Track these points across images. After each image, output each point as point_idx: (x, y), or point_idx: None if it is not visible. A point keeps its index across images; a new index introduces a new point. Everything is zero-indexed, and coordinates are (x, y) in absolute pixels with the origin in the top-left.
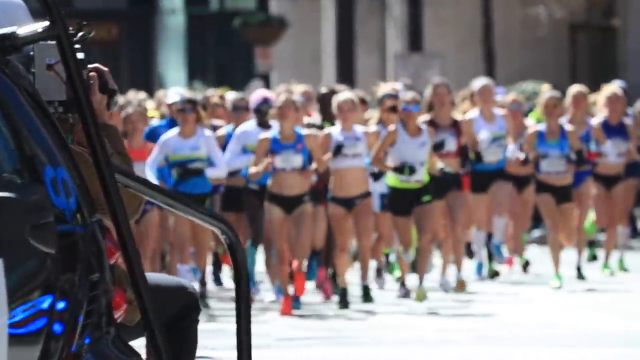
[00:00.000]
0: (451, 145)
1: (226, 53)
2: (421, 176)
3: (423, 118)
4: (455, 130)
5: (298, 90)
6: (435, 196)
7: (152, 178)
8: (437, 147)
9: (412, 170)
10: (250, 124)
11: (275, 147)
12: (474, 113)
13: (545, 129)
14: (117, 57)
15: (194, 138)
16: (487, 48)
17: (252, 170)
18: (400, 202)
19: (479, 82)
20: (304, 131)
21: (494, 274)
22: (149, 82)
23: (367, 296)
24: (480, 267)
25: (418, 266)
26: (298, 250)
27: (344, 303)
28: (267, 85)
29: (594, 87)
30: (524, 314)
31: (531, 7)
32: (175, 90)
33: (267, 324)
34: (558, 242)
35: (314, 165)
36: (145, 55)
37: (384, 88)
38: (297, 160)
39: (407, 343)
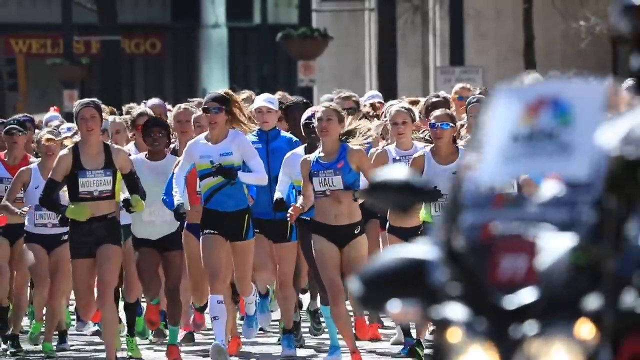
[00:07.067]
0: None
1: (268, 66)
2: None
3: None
4: None
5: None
6: None
7: (177, 192)
8: None
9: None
10: (300, 148)
11: (314, 168)
12: None
13: None
14: (161, 71)
15: (224, 142)
16: (528, 61)
17: (298, 201)
18: None
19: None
20: (350, 146)
21: None
22: (192, 95)
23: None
24: None
25: None
26: None
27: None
28: (310, 99)
29: None
30: None
31: (572, 20)
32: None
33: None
34: None
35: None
36: (188, 69)
37: None
38: (337, 181)
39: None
